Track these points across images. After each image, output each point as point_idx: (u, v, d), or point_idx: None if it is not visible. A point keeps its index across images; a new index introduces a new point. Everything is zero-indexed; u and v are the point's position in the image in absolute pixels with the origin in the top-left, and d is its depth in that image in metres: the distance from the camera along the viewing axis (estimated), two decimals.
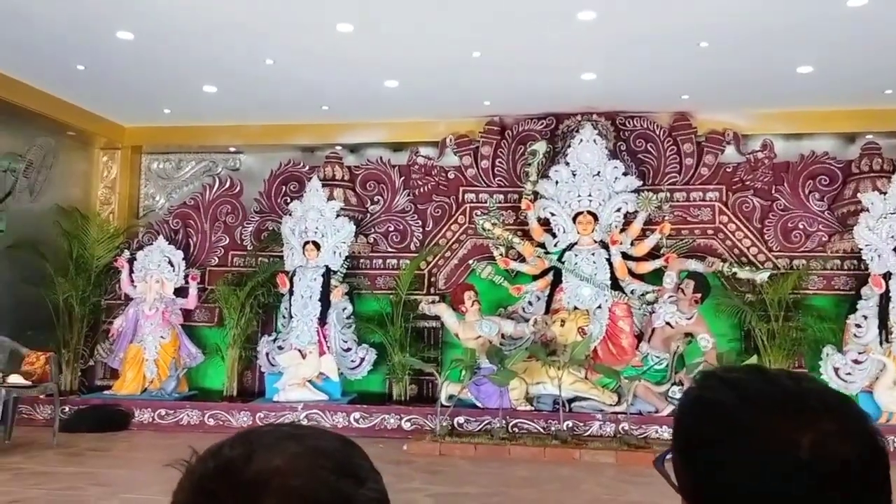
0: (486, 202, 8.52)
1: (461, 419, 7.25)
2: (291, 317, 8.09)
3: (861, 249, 7.45)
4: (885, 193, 7.40)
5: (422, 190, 8.88)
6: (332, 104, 8.36)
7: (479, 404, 7.39)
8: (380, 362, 8.27)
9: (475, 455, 6.46)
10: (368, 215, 8.93)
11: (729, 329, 8.02)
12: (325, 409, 7.58)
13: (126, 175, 9.72)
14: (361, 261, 8.78)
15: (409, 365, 7.88)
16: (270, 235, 8.81)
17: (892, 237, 7.25)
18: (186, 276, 8.64)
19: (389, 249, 8.82)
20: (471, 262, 8.41)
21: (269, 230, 8.91)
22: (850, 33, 6.27)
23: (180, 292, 8.62)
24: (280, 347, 8.17)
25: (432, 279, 8.67)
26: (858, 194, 7.70)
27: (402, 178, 8.94)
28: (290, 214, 8.37)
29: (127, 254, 8.68)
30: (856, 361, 7.25)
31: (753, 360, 6.62)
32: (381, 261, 8.80)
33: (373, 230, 8.89)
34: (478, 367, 7.26)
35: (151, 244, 8.73)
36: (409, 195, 8.91)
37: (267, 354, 8.22)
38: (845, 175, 8.17)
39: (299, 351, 7.94)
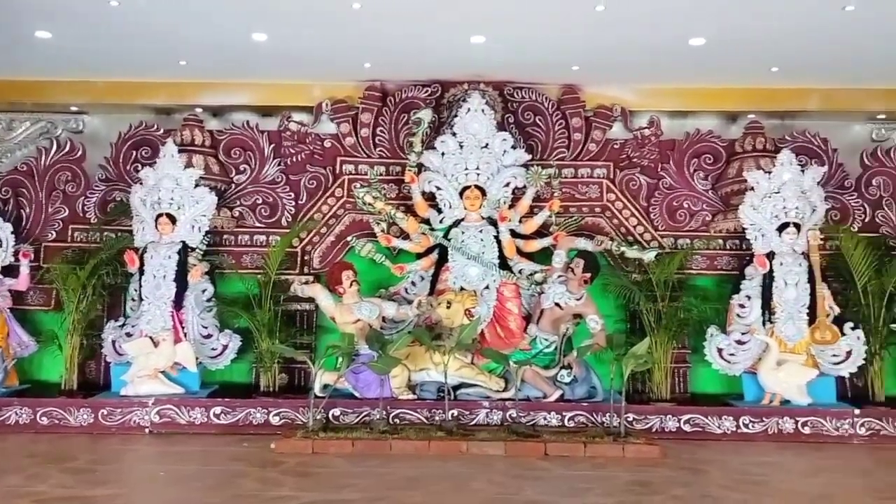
0: (366, 174, 7.88)
1: (337, 411, 6.62)
2: (142, 299, 7.16)
3: (745, 229, 7.39)
4: (769, 172, 7.35)
5: (294, 159, 8.12)
6: (192, 59, 7.41)
7: (357, 394, 6.79)
8: (245, 350, 7.49)
9: (353, 452, 5.84)
10: (233, 186, 8.07)
11: (615, 310, 7.81)
12: (180, 405, 6.72)
13: None
14: (225, 236, 7.93)
15: (279, 352, 7.14)
16: (118, 207, 7.83)
17: (776, 217, 7.21)
18: (17, 253, 7.52)
19: (257, 224, 8.01)
20: (349, 238, 7.73)
21: (116, 201, 7.92)
22: (743, 3, 6.08)
23: (9, 271, 7.48)
24: (128, 334, 7.23)
25: (306, 257, 7.95)
26: (743, 173, 7.63)
27: (273, 145, 8.14)
28: (141, 183, 7.43)
29: None
30: (739, 342, 7.20)
31: (646, 342, 6.37)
32: (247, 237, 7.99)
33: (238, 202, 8.04)
34: (356, 354, 6.66)
35: None
36: (280, 164, 8.12)
37: (113, 342, 7.26)
38: (729, 154, 8.13)
39: (151, 338, 7.04)
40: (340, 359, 6.51)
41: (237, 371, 7.69)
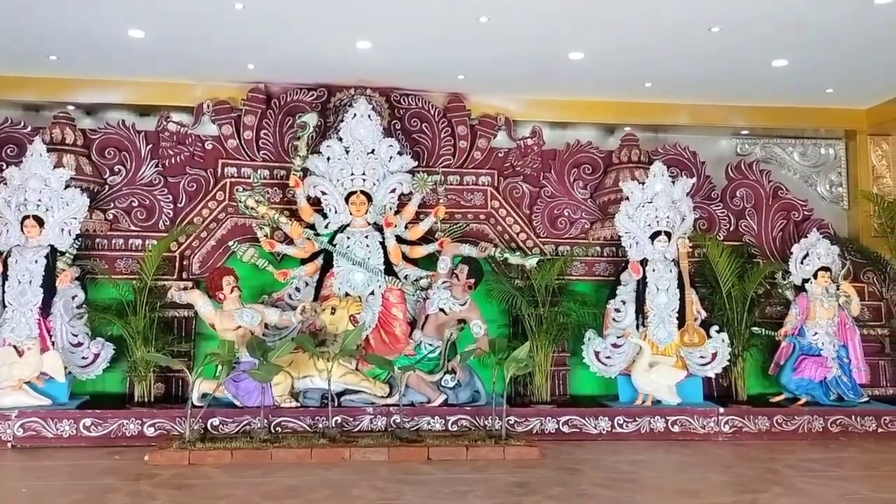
0: (249, 177, 7.70)
1: (216, 421, 6.43)
2: (5, 306, 6.74)
3: (620, 237, 7.70)
4: (643, 183, 7.70)
5: (173, 161, 7.85)
6: (64, 54, 7.07)
7: (237, 403, 6.61)
8: (119, 358, 7.18)
9: (231, 462, 5.69)
10: (107, 187, 7.74)
11: (499, 315, 7.97)
12: (46, 417, 6.35)
13: None
14: (97, 240, 7.58)
15: (155, 361, 6.86)
16: None
17: (649, 225, 7.56)
18: None
19: (133, 228, 7.70)
20: (231, 243, 7.49)
21: None
22: (619, 20, 6.35)
23: None
24: None
25: (185, 262, 7.69)
26: (619, 183, 7.97)
27: (150, 146, 7.85)
28: (6, 183, 7.01)
29: None
30: (615, 345, 7.48)
31: (526, 346, 6.53)
32: (121, 240, 7.66)
33: (112, 205, 7.71)
34: (237, 362, 6.49)
35: None
36: (157, 166, 7.85)
37: None
38: (606, 165, 8.46)
39: (15, 347, 6.63)
40: (220, 367, 6.32)
41: (110, 381, 7.35)
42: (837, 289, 7.60)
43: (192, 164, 7.89)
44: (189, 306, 7.10)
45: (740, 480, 5.53)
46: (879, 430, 7.12)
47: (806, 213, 8.58)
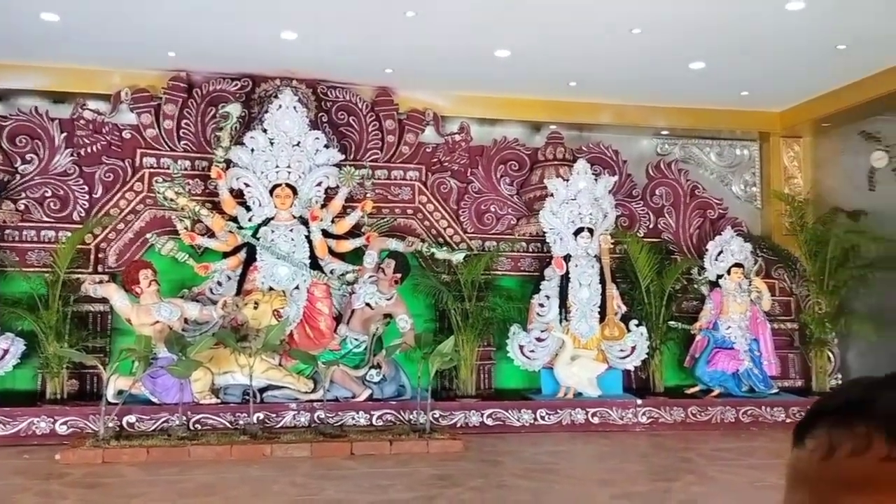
0: (169, 168, 7.47)
1: (133, 418, 6.26)
2: None
3: (545, 233, 7.83)
4: (567, 180, 7.84)
5: (89, 150, 7.58)
6: None
7: (155, 400, 6.45)
8: (30, 354, 6.87)
9: (147, 460, 5.55)
10: (18, 177, 7.40)
11: (425, 309, 7.98)
12: None
13: None
14: (7, 231, 7.25)
15: (68, 357, 6.62)
16: None
17: (573, 222, 7.71)
18: None
19: (45, 219, 7.40)
20: (149, 235, 7.27)
21: None
22: (543, 20, 6.43)
23: None
24: None
25: (100, 255, 7.44)
26: (544, 180, 8.09)
27: (65, 134, 7.55)
28: None
29: None
30: (539, 339, 7.61)
31: (451, 340, 6.58)
32: (33, 232, 7.35)
33: (24, 195, 7.39)
34: (154, 357, 6.33)
35: None
36: (72, 155, 7.55)
37: None
38: (532, 162, 8.57)
39: None
40: (136, 363, 6.16)
41: (20, 378, 7.03)
42: (750, 284, 7.91)
43: (108, 154, 7.63)
44: (104, 300, 6.88)
45: (655, 469, 5.71)
46: (788, 419, 7.44)
47: (721, 211, 8.88)
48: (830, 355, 8.39)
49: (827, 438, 0.61)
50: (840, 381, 8.44)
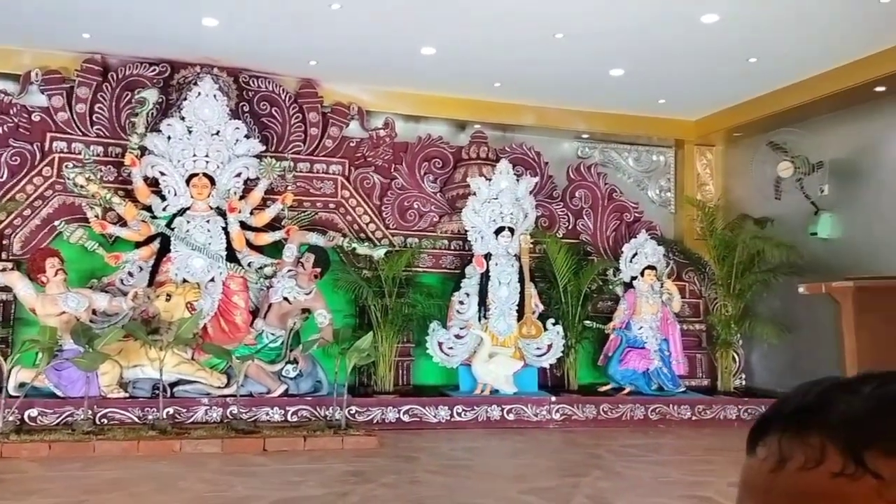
0: (80, 153, 7.19)
1: (35, 412, 6.01)
2: None
3: (467, 231, 7.91)
4: (489, 180, 7.94)
5: None
6: None
7: (59, 393, 6.22)
8: None
9: (49, 455, 5.35)
10: None
11: (345, 305, 7.94)
12: None
13: None
14: None
15: None
16: None
17: (494, 221, 7.80)
18: None
19: None
20: (57, 223, 7.00)
21: None
22: (469, 19, 6.48)
23: None
24: None
25: (5, 242, 7.10)
26: (468, 179, 8.16)
27: None
28: None
29: None
30: (458, 336, 7.67)
31: (369, 336, 6.56)
32: None
33: None
34: (59, 349, 6.09)
35: None
36: None
37: None
38: (456, 160, 8.62)
39: None
40: (40, 354, 5.92)
41: None
42: (661, 286, 8.17)
43: (16, 137, 7.29)
44: (7, 289, 6.59)
45: (565, 465, 5.84)
46: (693, 417, 7.74)
47: (637, 214, 9.14)
48: (735, 356, 8.74)
49: (777, 448, 0.56)
50: (744, 382, 8.83)
